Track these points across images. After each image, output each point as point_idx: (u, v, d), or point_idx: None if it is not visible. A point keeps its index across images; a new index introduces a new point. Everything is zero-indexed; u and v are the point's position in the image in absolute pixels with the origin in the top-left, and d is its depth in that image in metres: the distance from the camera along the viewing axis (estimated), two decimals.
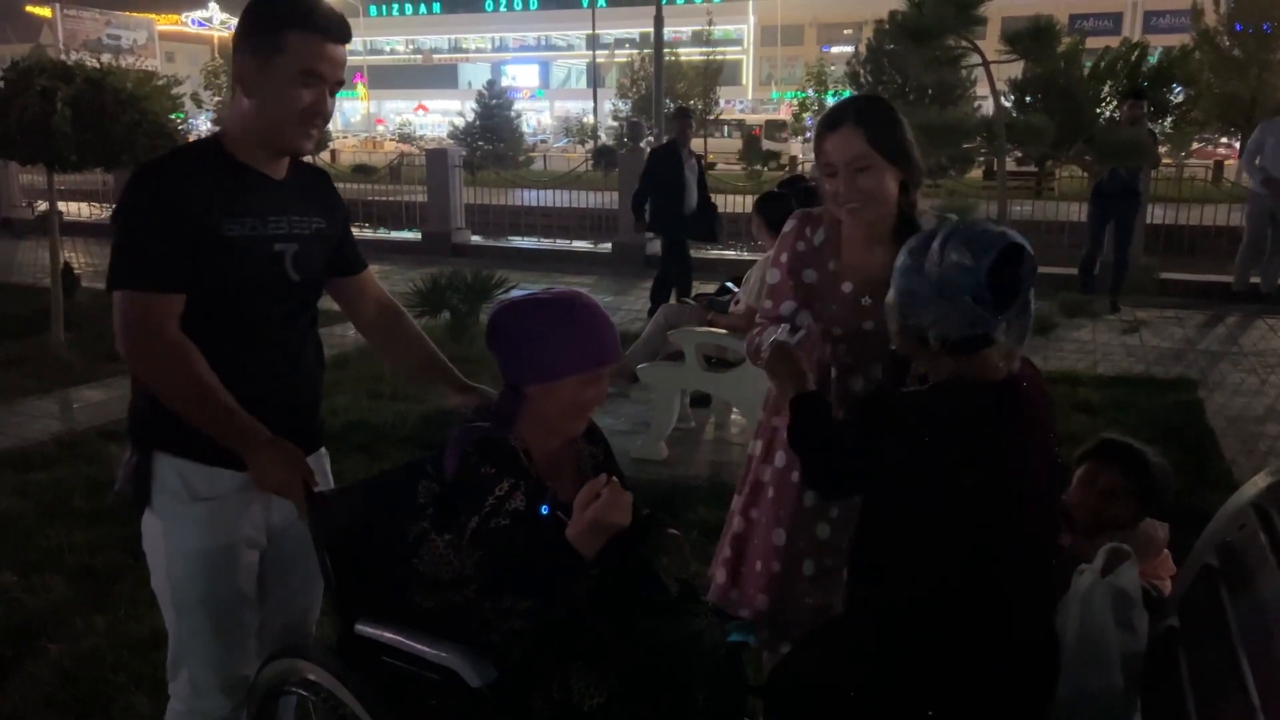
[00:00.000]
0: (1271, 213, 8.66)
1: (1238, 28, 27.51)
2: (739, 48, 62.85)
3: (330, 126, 38.02)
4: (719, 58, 40.27)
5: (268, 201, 1.92)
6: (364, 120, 64.67)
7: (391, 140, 47.34)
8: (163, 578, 1.99)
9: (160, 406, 1.87)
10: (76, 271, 8.94)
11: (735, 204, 13.30)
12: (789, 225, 2.43)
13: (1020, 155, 16.35)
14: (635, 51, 42.71)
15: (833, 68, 37.74)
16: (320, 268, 2.07)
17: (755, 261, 5.04)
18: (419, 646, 1.82)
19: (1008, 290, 1.72)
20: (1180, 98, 24.63)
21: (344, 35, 1.88)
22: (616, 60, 51.37)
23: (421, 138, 48.20)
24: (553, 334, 1.84)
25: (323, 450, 2.21)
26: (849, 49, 38.34)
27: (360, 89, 64.69)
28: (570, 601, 1.82)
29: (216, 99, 38.60)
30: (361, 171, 21.15)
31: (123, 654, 3.05)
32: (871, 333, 2.20)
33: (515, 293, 1.94)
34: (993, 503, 1.71)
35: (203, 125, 40.20)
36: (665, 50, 28.88)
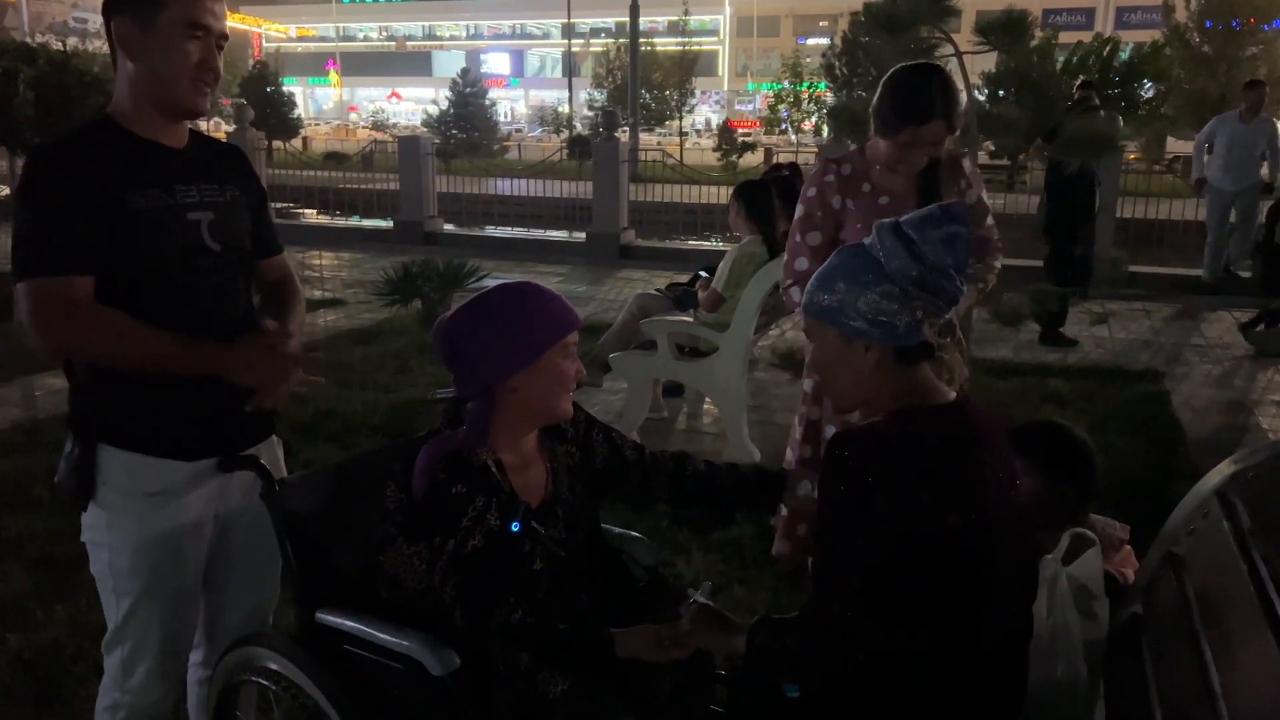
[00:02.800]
0: (1229, 204, 8.80)
1: (1207, 24, 27.82)
2: (714, 39, 62.80)
3: (301, 113, 37.29)
4: (695, 48, 40.17)
5: (169, 171, 1.86)
6: (336, 108, 64.03)
7: (364, 128, 46.93)
8: (104, 567, 1.95)
9: (103, 397, 1.84)
10: None
11: (710, 195, 13.30)
12: (816, 166, 2.84)
13: (993, 149, 16.45)
14: (611, 41, 42.50)
15: (808, 59, 37.74)
16: (244, 239, 2.00)
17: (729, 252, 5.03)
18: (381, 635, 1.80)
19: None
20: (1150, 93, 24.87)
21: None
22: (592, 50, 51.15)
23: (395, 125, 47.86)
24: (518, 317, 1.80)
25: (274, 438, 2.15)
26: (825, 41, 38.37)
27: (333, 76, 64.07)
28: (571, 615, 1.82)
29: None
30: (334, 159, 20.96)
31: (83, 644, 3.00)
32: None
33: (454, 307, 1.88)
34: (966, 540, 1.61)
35: None
36: (641, 40, 28.84)
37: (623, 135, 14.37)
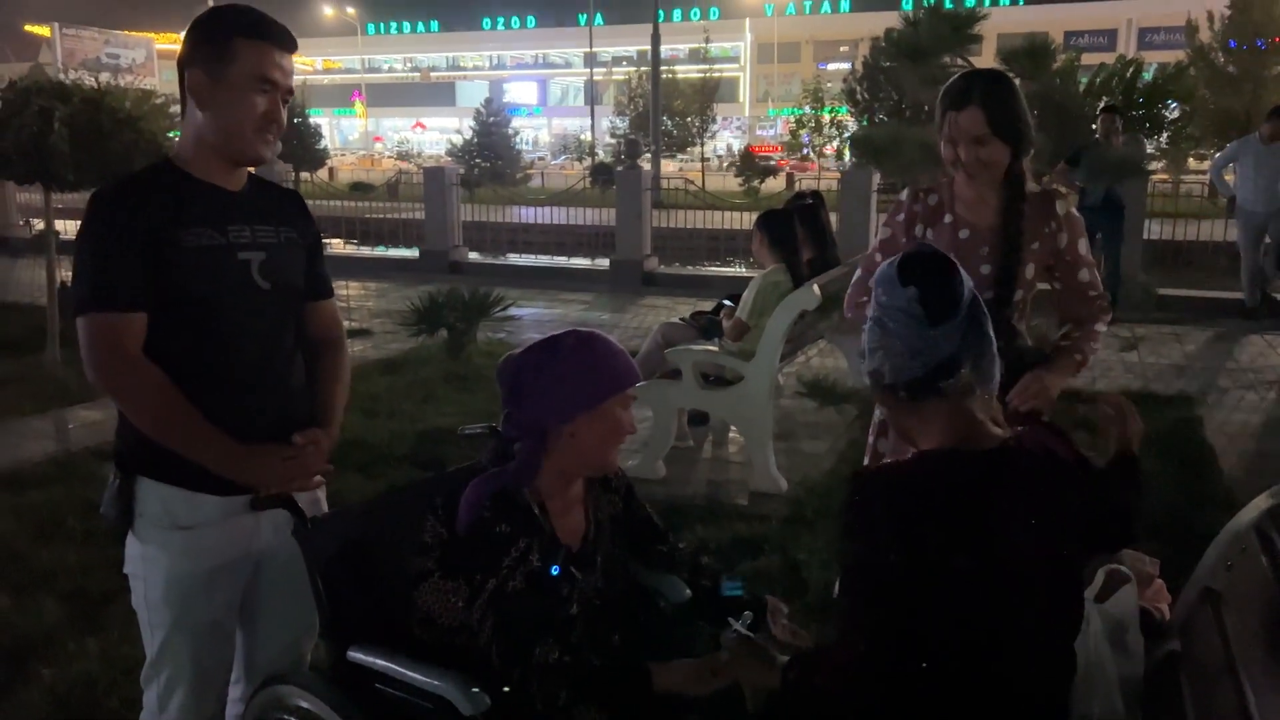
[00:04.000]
0: (1260, 229, 8.71)
1: (1231, 44, 27.67)
2: (736, 65, 63.14)
3: (328, 144, 37.81)
4: (716, 75, 40.36)
5: (224, 211, 1.93)
6: (362, 138, 64.85)
7: (389, 158, 47.45)
8: (140, 599, 2.00)
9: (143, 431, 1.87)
10: None
11: (733, 221, 13.33)
12: (904, 193, 2.76)
13: None
14: (633, 69, 42.85)
15: (829, 84, 37.84)
16: (295, 279, 2.05)
17: (753, 278, 5.03)
18: (412, 674, 1.80)
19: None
20: (1176, 113, 24.73)
21: (291, 44, 1.93)
22: (614, 78, 51.56)
23: (420, 155, 48.36)
24: (585, 362, 1.82)
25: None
26: (845, 66, 38.47)
27: (359, 107, 64.91)
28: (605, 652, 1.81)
29: None
30: (359, 189, 21.20)
31: (116, 677, 3.02)
32: (987, 277, 2.53)
33: (521, 345, 1.91)
34: (985, 586, 1.58)
35: None
36: (662, 68, 29.04)
37: (645, 163, 14.43)
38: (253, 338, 1.96)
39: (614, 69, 56.36)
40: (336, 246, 15.51)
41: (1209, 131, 26.41)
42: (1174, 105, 23.69)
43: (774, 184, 26.12)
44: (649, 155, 26.10)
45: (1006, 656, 1.62)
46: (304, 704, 1.98)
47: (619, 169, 11.89)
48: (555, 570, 1.81)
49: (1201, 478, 4.80)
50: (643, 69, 37.76)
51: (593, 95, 45.60)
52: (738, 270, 12.30)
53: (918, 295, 1.64)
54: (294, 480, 1.94)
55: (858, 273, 2.81)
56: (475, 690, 1.71)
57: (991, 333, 1.70)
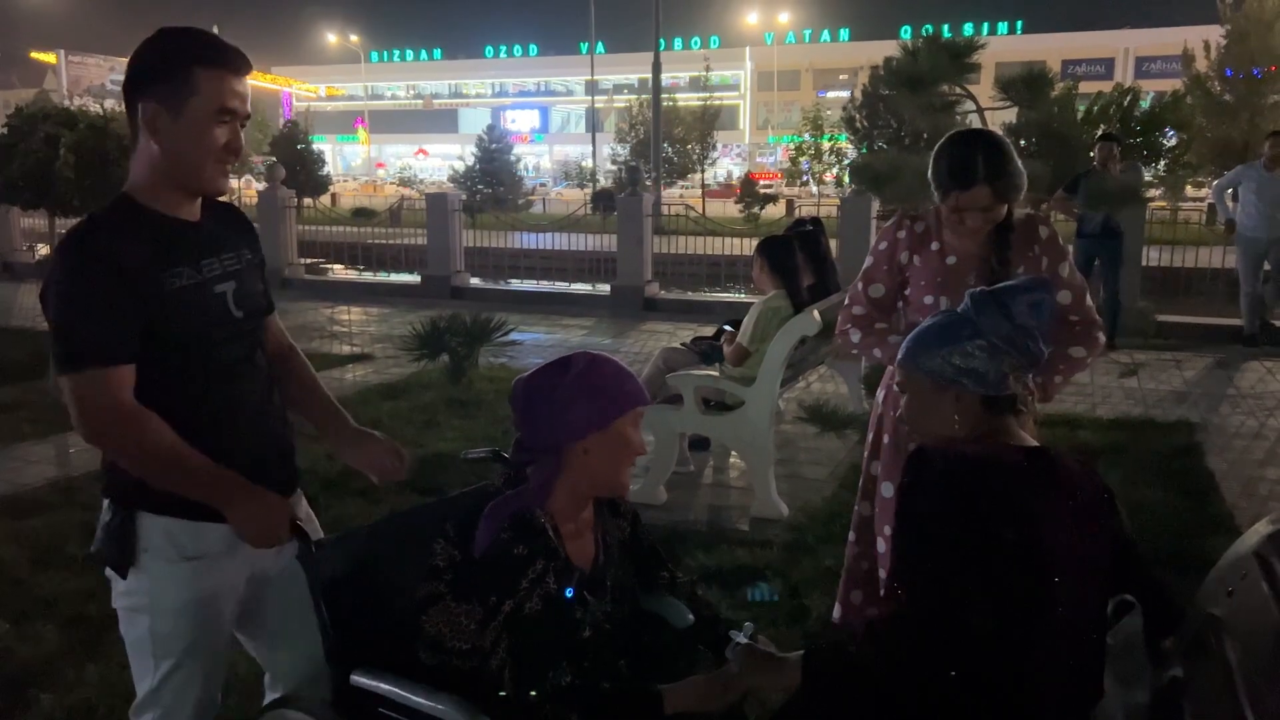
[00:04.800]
0: (1260, 255, 8.75)
1: (1228, 73, 27.88)
2: (736, 93, 63.59)
3: (331, 170, 37.99)
4: (716, 103, 40.64)
5: (194, 246, 1.88)
6: (365, 164, 65.23)
7: (392, 184, 47.70)
8: (144, 632, 1.94)
9: None
10: None
11: (733, 247, 13.38)
12: (890, 220, 2.82)
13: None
14: (634, 97, 43.14)
15: (829, 112, 38.10)
16: (260, 300, 2.04)
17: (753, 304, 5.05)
18: (415, 698, 1.80)
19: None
20: (1173, 141, 24.88)
21: (247, 66, 1.86)
22: (615, 105, 51.89)
23: (422, 181, 48.60)
24: (596, 382, 1.85)
25: (299, 492, 2.16)
26: (845, 94, 38.77)
27: (361, 133, 65.34)
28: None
29: None
30: (362, 215, 21.30)
31: (115, 704, 3.00)
32: None
33: (531, 365, 1.94)
34: (1029, 566, 1.64)
35: None
36: (663, 95, 29.25)
37: (646, 188, 14.49)
38: (238, 369, 1.95)
39: (615, 96, 56.75)
40: (339, 271, 15.56)
41: (1206, 159, 26.59)
42: (1171, 133, 23.87)
43: (774, 210, 26.26)
44: (650, 182, 26.27)
45: (1038, 647, 1.66)
46: None
47: (620, 195, 11.93)
48: (570, 593, 1.82)
49: (1202, 504, 4.80)
50: (644, 96, 38.03)
51: (594, 122, 45.88)
52: (738, 296, 12.33)
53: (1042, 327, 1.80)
54: (271, 535, 1.89)
55: (845, 300, 2.87)
56: (479, 715, 1.71)
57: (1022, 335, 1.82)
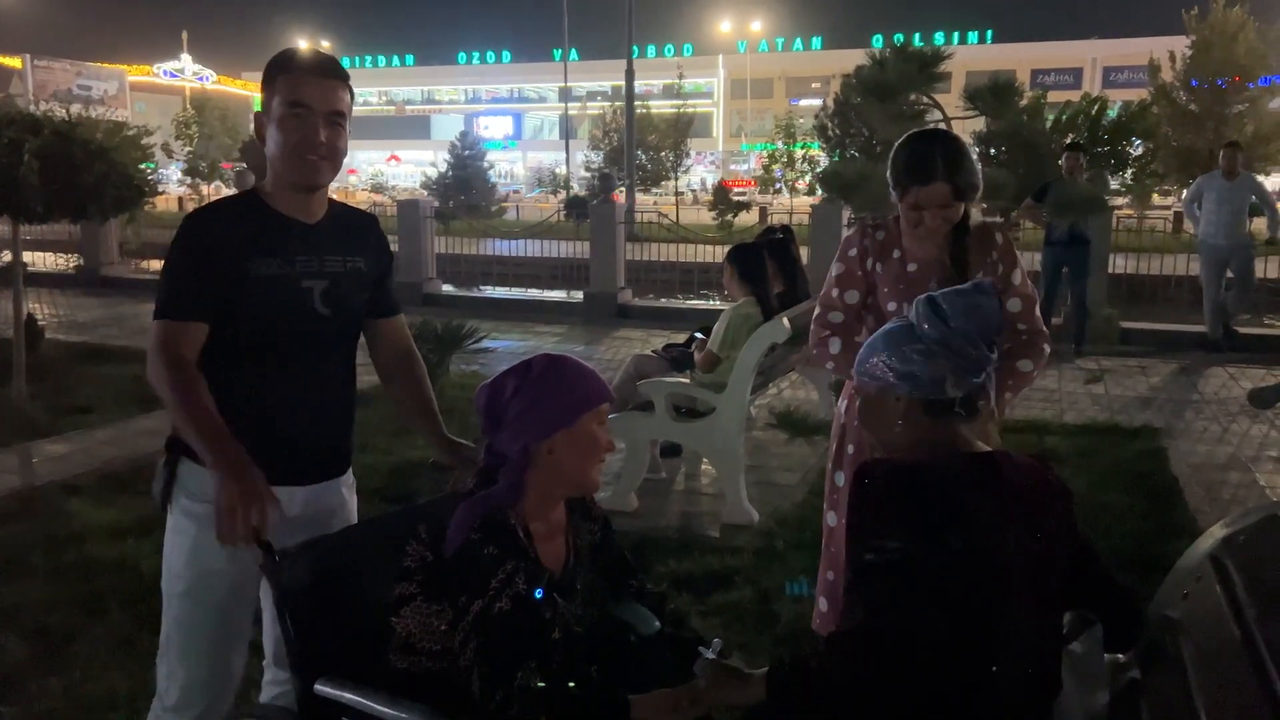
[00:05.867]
0: (1223, 263, 8.90)
1: (1194, 83, 28.31)
2: (709, 100, 63.84)
3: None
4: (690, 110, 40.75)
5: (296, 243, 2.08)
6: None
7: (364, 190, 47.42)
8: (164, 570, 2.13)
9: None
10: (41, 323, 8.82)
11: (706, 254, 13.43)
12: (851, 230, 2.87)
13: (985, 208, 16.65)
14: (607, 104, 43.18)
15: (801, 120, 38.29)
16: (356, 304, 2.20)
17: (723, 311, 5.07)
18: (381, 707, 1.79)
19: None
20: (1140, 150, 25.22)
21: (327, 69, 2.04)
22: (589, 113, 51.93)
23: (394, 188, 48.34)
24: (558, 382, 1.87)
25: (347, 478, 2.31)
26: (817, 102, 38.98)
27: None
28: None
29: (188, 149, 38.53)
30: None
31: (78, 716, 2.98)
32: None
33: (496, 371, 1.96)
34: (977, 572, 1.66)
35: (174, 176, 40.14)
36: (636, 103, 29.29)
37: (619, 195, 14.51)
38: (309, 359, 2.13)
39: (589, 104, 56.81)
40: None
41: (1172, 168, 26.98)
42: (1137, 142, 24.20)
43: (748, 217, 26.35)
44: (623, 189, 26.27)
45: (994, 651, 1.68)
46: None
47: (594, 203, 11.95)
48: (539, 594, 1.83)
49: (1166, 508, 4.86)
50: (617, 104, 38.04)
51: (567, 130, 45.89)
52: (712, 303, 12.36)
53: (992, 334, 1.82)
54: (236, 516, 1.86)
55: (817, 309, 2.88)
56: None
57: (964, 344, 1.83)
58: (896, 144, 2.70)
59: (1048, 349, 2.77)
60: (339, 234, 2.17)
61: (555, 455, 1.85)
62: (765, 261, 4.85)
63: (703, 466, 5.46)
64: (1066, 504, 1.85)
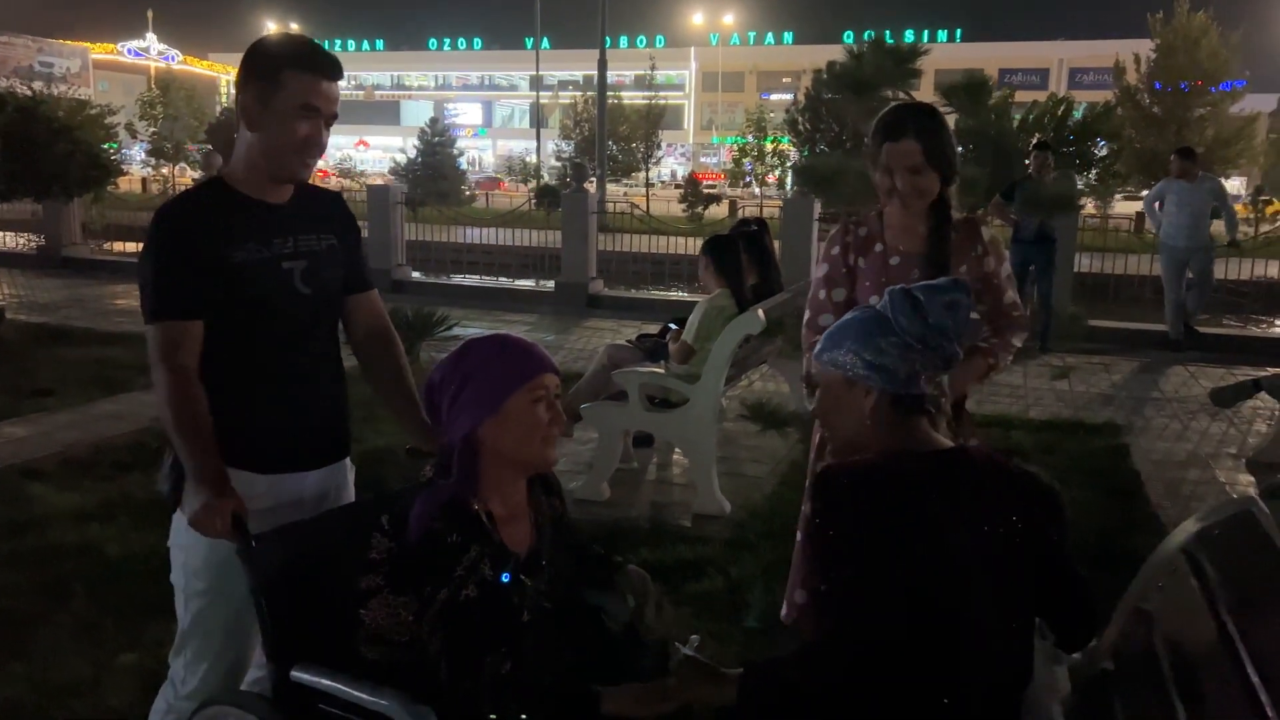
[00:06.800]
0: (1183, 264, 9.05)
1: (1156, 86, 28.75)
2: (681, 93, 63.83)
3: None
4: (661, 102, 40.72)
5: (270, 225, 2.09)
6: None
7: (332, 174, 46.96)
8: (179, 569, 2.14)
9: None
10: (0, 304, 8.65)
11: (677, 246, 13.44)
12: (835, 228, 2.86)
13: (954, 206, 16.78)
14: (579, 94, 43.02)
15: (772, 114, 38.41)
16: (334, 282, 2.21)
17: (697, 302, 5.08)
18: (356, 694, 1.78)
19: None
20: (1104, 151, 25.55)
21: (336, 73, 2.06)
22: (560, 102, 51.72)
23: (363, 173, 47.90)
24: (479, 368, 1.85)
25: (347, 461, 2.34)
26: (788, 96, 39.13)
27: None
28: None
29: (152, 130, 37.92)
30: None
31: (43, 703, 2.93)
32: None
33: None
34: (942, 572, 1.66)
35: (137, 155, 39.51)
36: (609, 93, 29.19)
37: (590, 185, 14.45)
38: (298, 342, 2.15)
39: (560, 93, 56.58)
40: None
41: (1135, 169, 27.37)
42: (1102, 143, 24.54)
43: (718, 210, 26.40)
44: (594, 179, 26.21)
45: (962, 649, 1.67)
46: None
47: (566, 192, 11.90)
48: (506, 578, 1.81)
49: (1129, 504, 4.94)
50: (589, 93, 37.93)
51: (539, 118, 45.69)
52: (680, 295, 12.38)
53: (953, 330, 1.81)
54: (210, 526, 1.91)
55: (806, 314, 2.86)
56: (421, 708, 1.69)
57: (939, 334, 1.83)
58: (876, 119, 2.73)
59: (1027, 323, 2.86)
60: (308, 213, 2.18)
61: (493, 441, 1.83)
62: (740, 253, 4.86)
63: (674, 457, 5.47)
64: (1046, 501, 1.83)
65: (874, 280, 2.73)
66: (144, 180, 33.43)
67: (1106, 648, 2.02)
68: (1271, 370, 5.71)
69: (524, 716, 1.74)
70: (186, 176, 34.64)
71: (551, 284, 11.78)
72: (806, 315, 2.87)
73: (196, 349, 2.02)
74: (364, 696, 1.76)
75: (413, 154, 35.43)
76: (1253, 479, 5.46)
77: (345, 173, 46.23)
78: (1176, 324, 9.15)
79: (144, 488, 4.72)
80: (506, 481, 1.89)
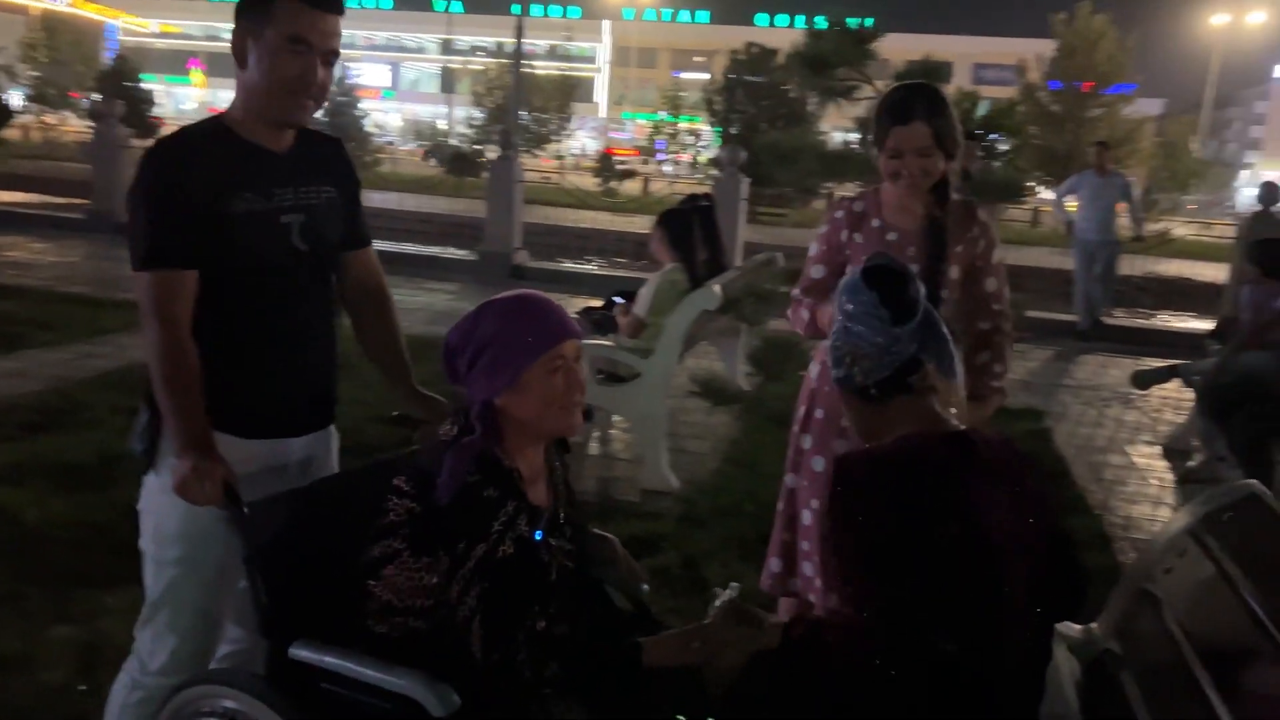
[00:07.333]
0: (1093, 256, 9.40)
1: (1051, 85, 29.74)
2: (593, 66, 63.37)
3: (160, 113, 35.47)
4: (574, 74, 40.34)
5: (270, 174, 1.95)
6: (199, 110, 61.32)
7: None
8: (150, 534, 2.01)
9: None
10: None
11: (595, 220, 13.33)
12: (830, 204, 2.84)
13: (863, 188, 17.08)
14: (491, 60, 42.22)
15: (684, 93, 38.40)
16: (332, 238, 2.07)
17: (638, 278, 5.02)
18: (370, 672, 1.68)
19: (901, 304, 1.77)
20: (1007, 147, 26.39)
21: (334, 6, 1.90)
22: (471, 68, 50.72)
23: None
24: (499, 333, 1.77)
25: (332, 428, 2.21)
26: (701, 75, 39.17)
27: (196, 75, 61.47)
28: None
29: (33, 73, 35.78)
30: None
31: None
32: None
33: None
34: (972, 557, 1.65)
35: (15, 100, 37.21)
36: (522, 62, 28.72)
37: (494, 153, 14.20)
38: (289, 296, 2.01)
39: (471, 58, 55.50)
40: None
41: (1033, 165, 28.34)
42: (1005, 139, 25.27)
43: (632, 186, 26.32)
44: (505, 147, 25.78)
45: (995, 629, 1.68)
46: (230, 705, 1.82)
47: (493, 160, 11.62)
48: (539, 535, 1.78)
49: (1056, 486, 5.10)
50: (502, 61, 37.29)
51: (451, 84, 44.77)
52: (608, 271, 12.30)
53: (879, 299, 1.78)
54: (197, 490, 1.81)
55: (795, 291, 2.86)
56: (445, 688, 1.61)
57: (947, 332, 1.84)
58: (881, 97, 2.73)
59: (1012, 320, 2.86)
60: (309, 162, 2.04)
61: (512, 410, 1.77)
62: (695, 228, 4.82)
63: (614, 431, 5.42)
64: (1038, 476, 1.86)
65: (871, 254, 2.72)
66: (25, 129, 31.49)
67: (1108, 629, 2.06)
68: (1184, 360, 5.96)
69: (554, 665, 1.70)
70: (70, 125, 32.79)
71: (470, 253, 11.53)
72: (795, 291, 2.88)
73: (190, 301, 1.89)
74: (381, 676, 1.66)
75: (318, 114, 34.30)
76: (1168, 464, 5.73)
77: None
78: (1085, 314, 9.51)
79: (58, 449, 4.46)
80: (526, 444, 1.83)
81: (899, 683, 1.68)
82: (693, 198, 5.43)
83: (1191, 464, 5.51)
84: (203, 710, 1.86)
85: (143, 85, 31.83)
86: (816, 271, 2.82)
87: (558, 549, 1.84)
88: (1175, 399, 7.08)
